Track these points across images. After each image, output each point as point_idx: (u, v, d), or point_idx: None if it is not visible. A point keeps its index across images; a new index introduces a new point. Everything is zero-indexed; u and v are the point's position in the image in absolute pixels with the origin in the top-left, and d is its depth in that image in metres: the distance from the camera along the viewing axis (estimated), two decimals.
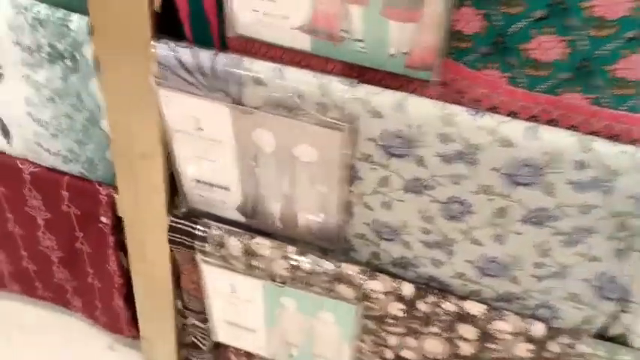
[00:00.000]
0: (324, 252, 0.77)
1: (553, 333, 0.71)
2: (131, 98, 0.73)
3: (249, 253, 0.78)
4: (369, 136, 0.63)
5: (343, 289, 0.75)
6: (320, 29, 0.60)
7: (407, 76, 0.60)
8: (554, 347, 0.71)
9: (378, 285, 0.75)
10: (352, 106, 0.62)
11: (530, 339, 0.72)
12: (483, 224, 0.66)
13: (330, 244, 0.78)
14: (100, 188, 0.83)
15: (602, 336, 0.72)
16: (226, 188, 0.77)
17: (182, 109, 0.69)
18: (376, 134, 0.63)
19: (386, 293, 0.75)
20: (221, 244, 0.79)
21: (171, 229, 0.82)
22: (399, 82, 0.62)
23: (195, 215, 0.82)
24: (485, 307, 0.73)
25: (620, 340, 0.71)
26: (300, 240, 0.79)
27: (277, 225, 0.79)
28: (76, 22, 0.70)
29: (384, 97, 0.61)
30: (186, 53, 0.65)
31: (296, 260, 0.77)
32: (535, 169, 0.59)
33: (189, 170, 0.77)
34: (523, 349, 0.73)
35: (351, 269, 0.76)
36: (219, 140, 0.71)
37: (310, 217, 0.75)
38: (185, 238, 0.81)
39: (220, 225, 0.80)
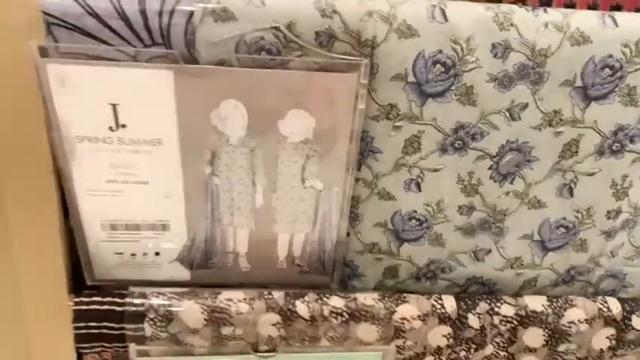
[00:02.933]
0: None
1: (631, 306, 0.56)
2: None
3: (217, 318, 0.51)
4: (396, 72, 0.45)
5: (363, 330, 0.53)
6: None
7: None
8: (637, 322, 0.56)
9: (411, 309, 0.54)
10: (374, 26, 0.43)
11: (608, 321, 0.56)
12: (547, 174, 0.50)
13: (324, 277, 0.55)
14: None
15: None
16: (164, 226, 0.51)
17: (89, 94, 0.44)
18: (407, 65, 0.45)
19: (424, 317, 0.54)
20: (168, 318, 0.52)
21: (79, 317, 0.52)
22: None
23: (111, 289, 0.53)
24: (545, 298, 0.56)
25: None
26: (277, 284, 0.55)
27: (242, 267, 0.55)
28: None
29: (416, 6, 0.44)
30: None
31: (288, 307, 0.52)
32: (614, 70, 0.46)
33: (96, 207, 0.50)
34: (602, 336, 0.56)
35: (369, 297, 0.54)
36: (152, 140, 0.47)
37: (297, 236, 0.53)
38: (107, 325, 0.52)
39: (160, 290, 0.53)
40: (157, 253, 0.53)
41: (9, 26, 0.41)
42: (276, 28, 0.42)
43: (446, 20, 0.43)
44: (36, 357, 0.55)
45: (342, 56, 0.43)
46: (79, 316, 0.52)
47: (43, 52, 0.42)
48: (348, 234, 0.53)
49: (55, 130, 0.45)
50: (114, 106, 0.44)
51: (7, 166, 0.46)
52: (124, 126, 0.45)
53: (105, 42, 0.42)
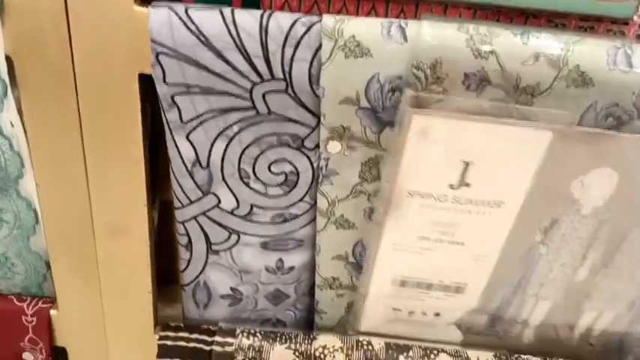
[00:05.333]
0: None
1: None
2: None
3: None
4: None
5: None
6: None
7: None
8: None
9: None
10: None
11: None
12: None
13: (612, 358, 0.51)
14: (22, 304, 0.47)
15: None
16: (458, 288, 0.46)
17: (445, 149, 0.39)
18: None
19: None
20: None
21: (165, 353, 0.48)
22: None
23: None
24: None
25: None
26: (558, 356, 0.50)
27: (525, 339, 0.50)
28: None
29: None
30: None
31: None
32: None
33: (395, 262, 0.45)
34: None
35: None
36: (493, 202, 0.41)
37: (606, 314, 0.48)
38: None
39: (250, 329, 0.48)
40: (437, 314, 0.48)
41: (114, 54, 0.36)
42: (418, 68, 0.37)
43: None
44: None
45: None
46: (164, 351, 0.48)
47: (413, 102, 0.37)
48: None
49: (389, 181, 0.40)
50: (467, 163, 0.39)
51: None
52: (467, 185, 0.40)
53: (218, 75, 0.37)
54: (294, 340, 0.48)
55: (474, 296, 0.47)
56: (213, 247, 0.46)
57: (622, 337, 0.49)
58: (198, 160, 0.41)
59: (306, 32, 0.36)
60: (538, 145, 0.38)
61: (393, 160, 0.39)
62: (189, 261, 0.47)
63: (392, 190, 0.41)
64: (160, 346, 0.48)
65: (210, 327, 0.49)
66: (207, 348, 0.48)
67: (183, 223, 0.44)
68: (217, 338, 0.47)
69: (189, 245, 0.46)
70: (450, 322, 0.49)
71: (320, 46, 0.36)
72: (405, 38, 0.36)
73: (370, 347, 0.48)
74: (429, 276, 0.45)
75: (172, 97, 0.38)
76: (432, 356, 0.48)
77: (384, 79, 0.37)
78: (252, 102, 0.38)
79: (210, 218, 0.44)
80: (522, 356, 0.49)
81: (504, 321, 0.48)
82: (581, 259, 0.44)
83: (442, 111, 0.37)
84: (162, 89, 0.37)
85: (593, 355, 0.50)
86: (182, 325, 0.49)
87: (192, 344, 0.48)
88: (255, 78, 0.37)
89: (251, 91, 0.38)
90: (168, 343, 0.48)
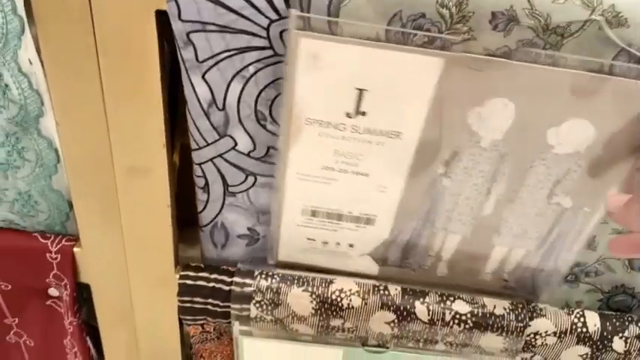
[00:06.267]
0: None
1: (614, 325, 0.50)
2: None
3: (326, 309, 0.47)
4: None
5: (487, 339, 0.49)
6: None
7: None
8: (618, 345, 0.49)
9: (547, 324, 0.49)
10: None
11: (582, 339, 0.50)
12: None
13: (529, 295, 0.51)
14: (46, 242, 0.48)
15: None
16: (368, 220, 0.46)
17: (338, 76, 0.38)
18: None
19: (561, 334, 0.49)
20: (275, 302, 0.48)
21: (185, 291, 0.49)
22: None
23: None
24: None
25: None
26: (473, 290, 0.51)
27: (439, 272, 0.50)
28: None
29: None
30: None
31: (405, 306, 0.47)
32: None
33: (303, 192, 0.45)
34: (573, 354, 0.50)
35: (499, 306, 0.49)
36: (390, 132, 0.40)
37: (516, 251, 0.48)
38: (212, 302, 0.49)
39: (270, 271, 0.49)
40: (351, 245, 0.48)
41: None
42: (443, 5, 0.35)
43: None
44: (142, 332, 0.54)
45: None
46: (184, 290, 0.49)
47: (300, 24, 0.35)
48: None
49: (286, 108, 0.39)
50: (361, 91, 0.38)
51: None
52: (363, 113, 0.39)
53: (234, 11, 0.36)
54: (310, 283, 0.48)
55: (384, 228, 0.47)
56: (230, 189, 0.46)
57: (534, 273, 0.49)
58: (214, 100, 0.40)
59: None
60: (430, 73, 0.37)
61: (286, 86, 0.38)
62: (206, 202, 0.47)
63: (289, 118, 0.40)
64: (180, 285, 0.49)
65: (230, 268, 0.49)
66: (227, 288, 0.48)
67: (200, 165, 0.44)
68: (236, 279, 0.48)
69: (206, 187, 0.46)
70: (363, 253, 0.49)
71: None
72: None
73: (387, 292, 0.48)
74: (338, 207, 0.45)
75: (188, 35, 0.37)
76: (449, 303, 0.48)
77: (406, 17, 0.36)
78: (270, 41, 0.37)
79: (226, 160, 0.44)
80: (539, 305, 0.49)
81: (417, 253, 0.48)
82: (485, 193, 0.43)
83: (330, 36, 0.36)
84: (177, 26, 0.37)
85: (509, 291, 0.50)
86: (202, 265, 0.50)
87: (211, 284, 0.49)
88: (272, 15, 0.36)
89: (268, 29, 0.37)
90: (189, 282, 0.49)
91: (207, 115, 0.41)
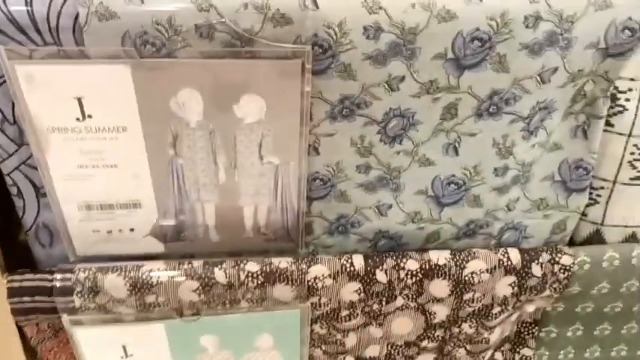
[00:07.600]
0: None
1: (531, 255, 0.61)
2: None
3: (140, 288, 0.56)
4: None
5: (278, 290, 0.57)
6: None
7: None
8: (536, 270, 0.61)
9: (322, 269, 0.58)
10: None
11: (509, 269, 0.60)
12: (431, 134, 0.54)
13: (289, 243, 0.61)
14: None
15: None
16: (135, 204, 0.55)
17: (55, 90, 0.47)
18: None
19: (335, 275, 0.58)
20: (95, 290, 0.56)
21: (14, 293, 0.56)
22: None
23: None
24: (448, 252, 0.60)
25: (596, 240, 0.62)
26: (246, 251, 0.60)
27: (212, 238, 0.59)
28: None
29: None
30: None
31: (206, 274, 0.57)
32: (483, 41, 0.49)
33: (71, 191, 0.53)
34: (504, 284, 0.61)
35: (283, 261, 0.58)
36: (117, 127, 0.50)
37: (261, 207, 0.58)
38: (39, 299, 0.57)
39: (86, 265, 0.57)
40: (132, 230, 0.56)
41: None
42: (158, 23, 0.45)
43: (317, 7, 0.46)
44: None
45: (289, 45, 0.47)
46: (12, 292, 0.56)
47: (10, 55, 0.45)
48: None
49: (28, 123, 0.48)
50: (79, 99, 0.48)
51: None
52: (90, 116, 0.49)
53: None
54: (124, 269, 0.57)
55: (151, 209, 0.55)
56: (42, 190, 0.53)
57: (284, 222, 0.58)
58: (5, 118, 0.48)
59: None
60: (126, 78, 0.47)
61: (17, 103, 0.47)
62: (24, 207, 0.55)
63: (31, 128, 0.49)
64: (8, 288, 0.56)
65: (52, 268, 0.57)
66: (49, 285, 0.56)
67: (9, 174, 0.52)
68: (57, 275, 0.56)
69: (19, 193, 0.54)
70: (146, 235, 0.57)
71: (78, 14, 0.44)
72: None
73: (190, 265, 0.57)
74: (107, 197, 0.54)
75: None
76: (242, 265, 0.58)
77: (134, 35, 0.45)
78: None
79: (30, 166, 0.52)
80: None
81: (188, 226, 0.57)
82: (214, 164, 0.53)
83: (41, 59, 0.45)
84: None
85: (272, 244, 0.60)
86: (29, 269, 0.58)
87: (36, 283, 0.56)
88: (31, 46, 0.45)
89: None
90: (15, 285, 0.56)
91: (2, 130, 0.49)
